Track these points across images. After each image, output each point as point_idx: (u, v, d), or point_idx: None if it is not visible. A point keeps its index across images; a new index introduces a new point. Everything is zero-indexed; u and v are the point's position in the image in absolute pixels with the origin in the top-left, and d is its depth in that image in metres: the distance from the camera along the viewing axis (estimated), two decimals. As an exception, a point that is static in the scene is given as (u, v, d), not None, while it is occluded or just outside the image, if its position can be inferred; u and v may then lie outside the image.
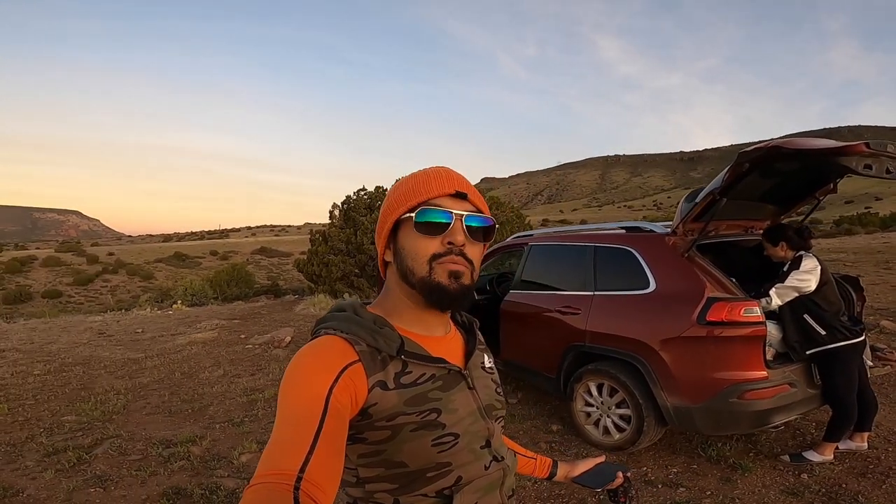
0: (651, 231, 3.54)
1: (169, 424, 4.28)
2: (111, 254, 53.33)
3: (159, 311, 12.43)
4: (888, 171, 2.72)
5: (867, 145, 2.49)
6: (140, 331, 9.06)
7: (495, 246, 5.03)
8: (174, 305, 13.14)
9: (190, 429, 4.12)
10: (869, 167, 2.60)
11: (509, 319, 4.31)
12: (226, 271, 17.43)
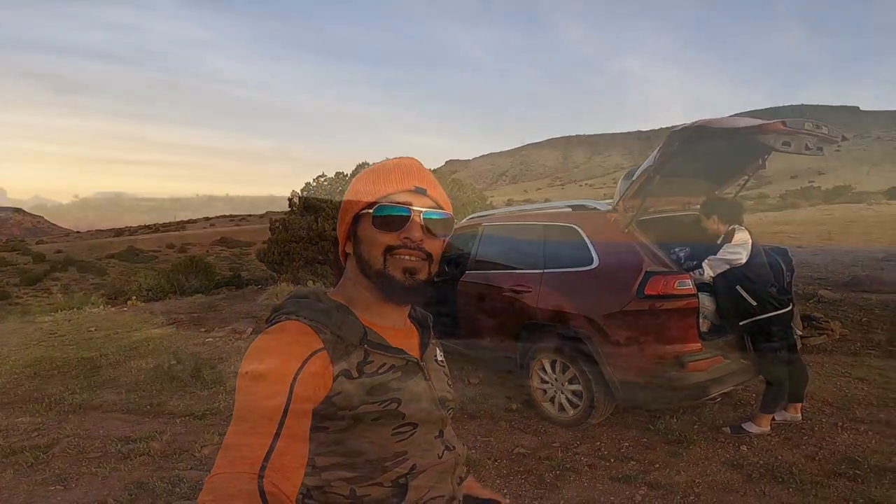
0: (595, 208, 3.67)
1: (127, 422, 4.21)
2: (59, 251, 50.78)
3: (113, 309, 12.01)
4: (807, 148, 2.90)
5: (784, 123, 2.66)
6: (93, 329, 8.76)
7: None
8: (129, 302, 12.72)
9: (149, 425, 4.08)
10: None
11: (466, 300, 4.39)
12: (183, 263, 16.84)
